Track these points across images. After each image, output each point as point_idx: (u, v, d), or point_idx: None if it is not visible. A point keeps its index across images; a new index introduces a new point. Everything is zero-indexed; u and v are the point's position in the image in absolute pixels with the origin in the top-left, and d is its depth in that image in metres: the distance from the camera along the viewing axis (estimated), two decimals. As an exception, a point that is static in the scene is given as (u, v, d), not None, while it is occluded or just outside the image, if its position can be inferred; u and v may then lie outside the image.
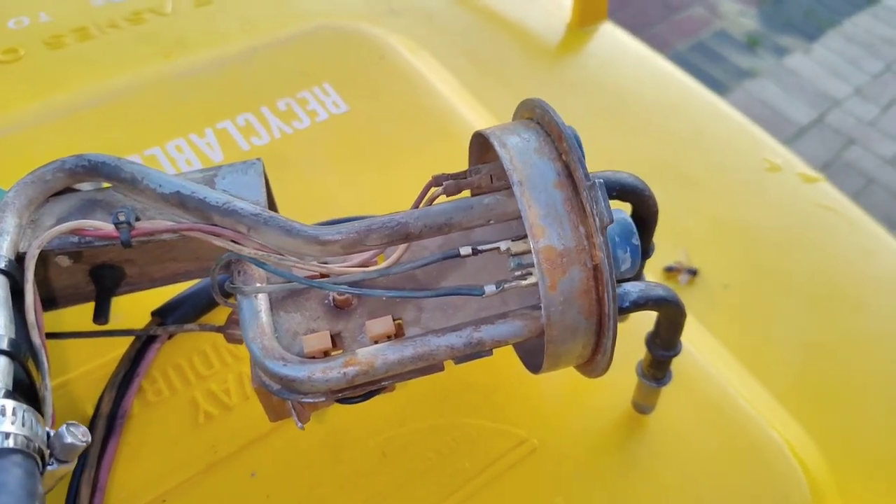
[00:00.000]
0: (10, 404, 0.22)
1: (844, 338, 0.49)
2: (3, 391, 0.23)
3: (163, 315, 0.40)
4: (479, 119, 0.59)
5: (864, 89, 2.13)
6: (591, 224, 0.28)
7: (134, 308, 0.40)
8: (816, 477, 0.40)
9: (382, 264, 0.32)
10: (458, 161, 0.53)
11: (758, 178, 0.59)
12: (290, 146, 0.54)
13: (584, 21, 0.70)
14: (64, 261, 0.31)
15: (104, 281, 0.33)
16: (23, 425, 0.22)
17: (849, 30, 2.36)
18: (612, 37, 0.71)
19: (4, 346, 0.24)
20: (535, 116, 0.32)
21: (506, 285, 0.30)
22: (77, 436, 0.23)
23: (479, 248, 0.31)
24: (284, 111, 0.56)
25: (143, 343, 0.39)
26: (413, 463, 0.38)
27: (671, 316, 0.34)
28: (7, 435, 0.22)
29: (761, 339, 0.48)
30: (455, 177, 0.33)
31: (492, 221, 0.32)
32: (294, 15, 0.67)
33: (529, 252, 0.30)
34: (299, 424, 0.32)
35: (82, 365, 0.40)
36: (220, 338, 0.42)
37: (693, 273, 0.50)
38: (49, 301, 0.32)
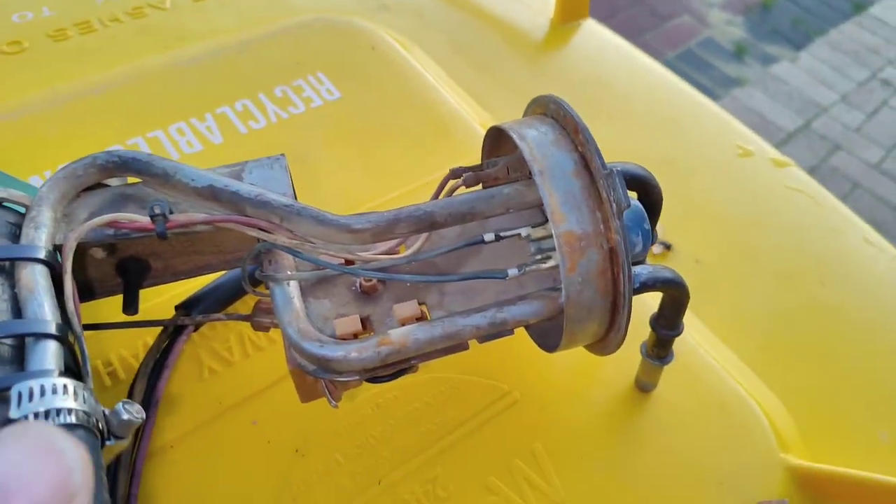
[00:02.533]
0: (69, 382, 0.23)
1: (809, 309, 0.51)
2: (57, 371, 0.24)
3: (187, 308, 0.42)
4: (468, 108, 0.61)
5: (849, 96, 2.17)
6: (606, 209, 0.30)
7: (159, 305, 0.42)
8: (783, 431, 0.43)
9: (407, 251, 0.33)
10: (446, 147, 0.56)
11: (730, 163, 0.61)
12: (287, 130, 0.56)
13: (566, 17, 0.73)
14: (98, 252, 0.32)
15: (130, 274, 0.33)
16: (84, 402, 0.22)
17: (835, 38, 2.40)
18: (594, 33, 0.74)
19: (53, 330, 0.25)
20: (549, 111, 0.34)
21: (527, 268, 0.32)
22: (133, 413, 0.23)
23: (502, 234, 0.32)
24: (280, 98, 0.58)
25: (171, 335, 0.41)
26: (402, 413, 0.41)
27: (676, 297, 0.37)
28: (70, 411, 0.22)
29: (731, 309, 0.51)
30: (472, 169, 0.35)
31: (510, 210, 0.33)
32: (287, 10, 0.70)
33: (548, 237, 0.32)
34: (333, 403, 0.33)
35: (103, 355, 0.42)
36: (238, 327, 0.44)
37: (668, 247, 0.53)
38: (82, 292, 0.33)
